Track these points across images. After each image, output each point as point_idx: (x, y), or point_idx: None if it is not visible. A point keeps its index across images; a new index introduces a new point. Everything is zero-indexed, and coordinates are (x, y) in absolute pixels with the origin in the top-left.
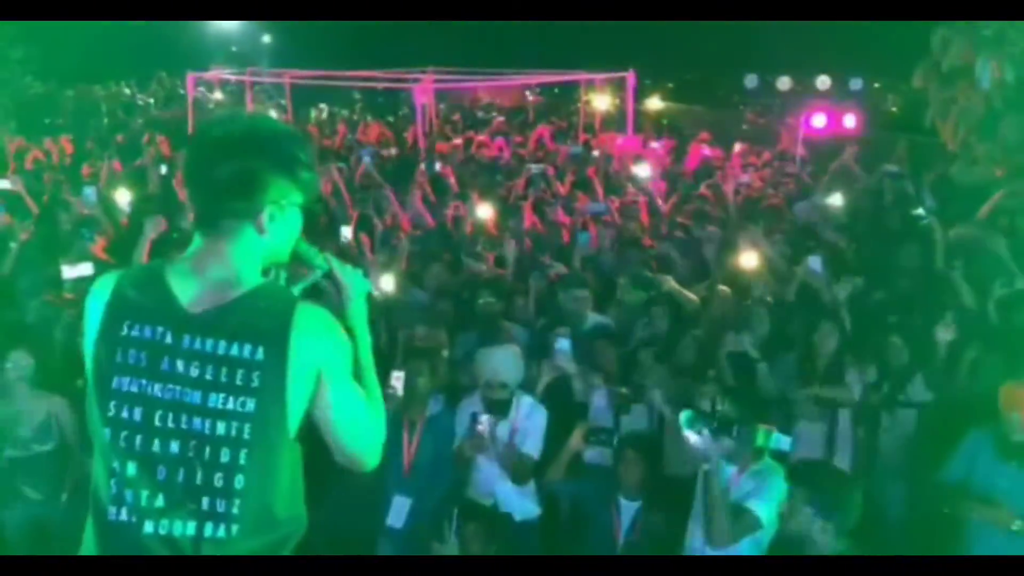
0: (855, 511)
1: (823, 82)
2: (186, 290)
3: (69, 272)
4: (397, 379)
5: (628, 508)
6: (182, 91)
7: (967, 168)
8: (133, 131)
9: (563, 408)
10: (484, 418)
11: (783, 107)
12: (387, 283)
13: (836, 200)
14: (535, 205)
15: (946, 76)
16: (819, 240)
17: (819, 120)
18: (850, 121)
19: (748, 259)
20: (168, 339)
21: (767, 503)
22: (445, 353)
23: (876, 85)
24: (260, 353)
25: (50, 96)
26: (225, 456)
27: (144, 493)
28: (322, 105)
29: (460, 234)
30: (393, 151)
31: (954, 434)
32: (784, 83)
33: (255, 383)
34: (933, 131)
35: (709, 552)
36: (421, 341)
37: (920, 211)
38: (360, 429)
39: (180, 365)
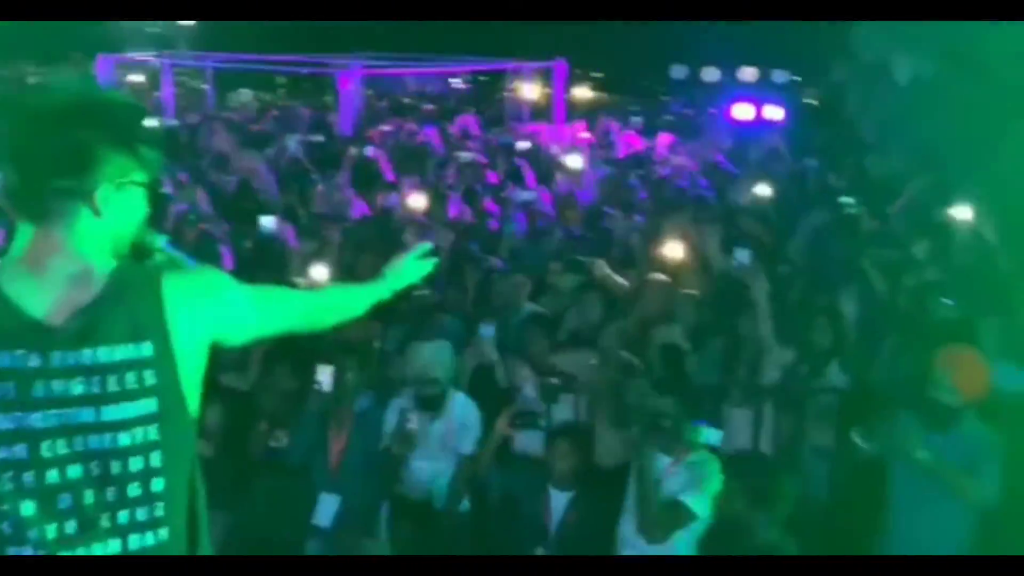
0: (789, 502)
1: (749, 74)
2: (32, 298)
3: None
4: (324, 374)
5: (559, 499)
6: (94, 73)
7: (882, 160)
8: None
9: (489, 397)
10: (413, 415)
11: (709, 98)
12: (318, 273)
13: (762, 190)
14: (465, 194)
15: (865, 72)
16: (744, 230)
17: (744, 111)
18: (774, 112)
19: (674, 249)
20: (33, 362)
21: (701, 496)
22: (376, 345)
23: (796, 78)
24: (146, 348)
25: None
26: (137, 464)
27: (49, 527)
28: (243, 90)
29: (392, 223)
30: (320, 137)
31: (876, 417)
32: (710, 74)
33: (150, 381)
34: (851, 124)
35: (642, 543)
36: (351, 334)
37: (848, 199)
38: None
39: (57, 386)
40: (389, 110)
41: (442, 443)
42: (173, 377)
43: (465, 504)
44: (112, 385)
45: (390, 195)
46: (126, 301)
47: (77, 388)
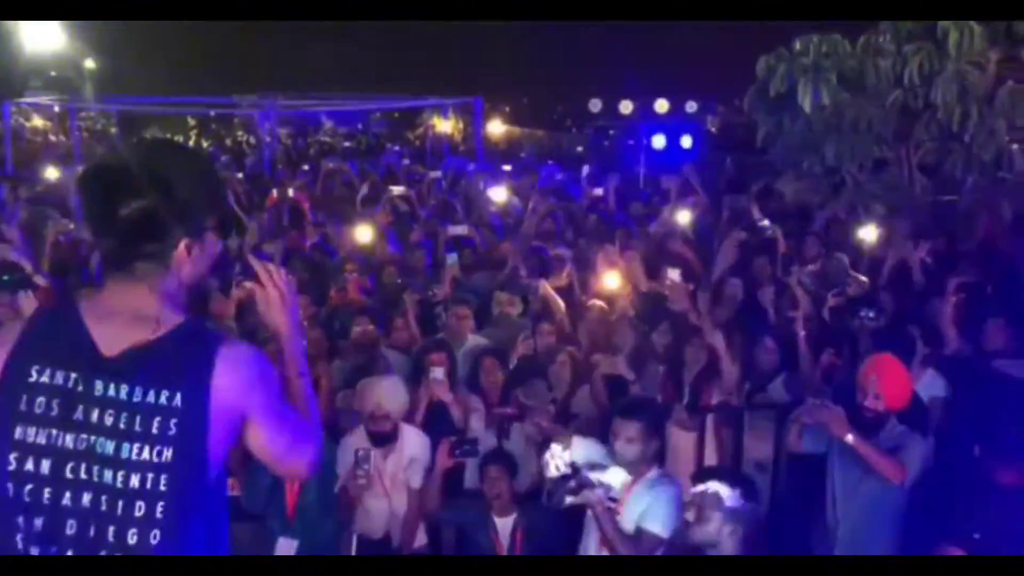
0: (757, 517)
1: (661, 105)
2: (102, 330)
3: None
4: None
5: (503, 525)
6: None
7: (792, 183)
8: None
9: (443, 435)
10: (368, 454)
11: (626, 129)
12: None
13: (683, 217)
14: (398, 229)
15: (772, 100)
16: (671, 254)
17: (659, 141)
18: (687, 141)
19: (608, 278)
20: (80, 386)
21: (664, 518)
22: (323, 384)
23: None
24: (178, 399)
25: None
26: (139, 510)
27: (53, 549)
28: (154, 132)
29: (323, 262)
30: (239, 176)
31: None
32: (626, 106)
33: (172, 431)
34: (756, 149)
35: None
36: None
37: (765, 223)
38: (296, 442)
39: (94, 414)
40: (308, 149)
41: (394, 479)
42: (198, 432)
43: (421, 539)
44: (137, 425)
45: (316, 234)
46: (178, 352)
47: (108, 419)
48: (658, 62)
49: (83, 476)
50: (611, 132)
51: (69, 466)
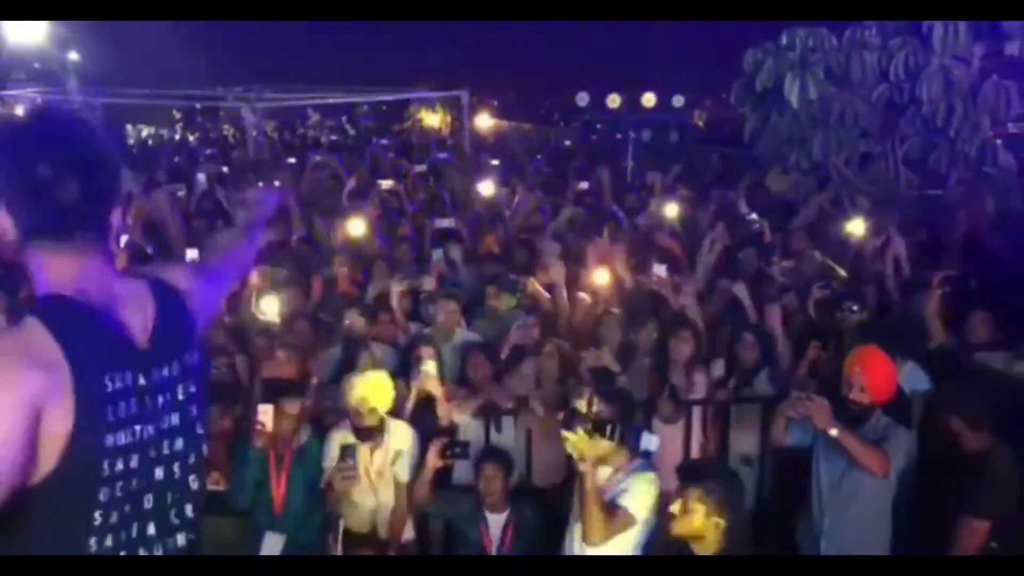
0: (743, 509)
1: (648, 99)
2: (129, 322)
3: None
4: (264, 413)
5: (495, 522)
6: None
7: (779, 178)
8: None
9: (432, 429)
10: (355, 450)
11: (613, 123)
12: (269, 306)
13: (671, 211)
14: (386, 222)
15: (759, 95)
16: (657, 248)
17: (646, 135)
18: (673, 135)
19: (598, 273)
20: (142, 380)
21: (639, 497)
22: (314, 381)
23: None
24: (195, 357)
25: None
26: (177, 471)
27: (123, 533)
28: (140, 125)
29: (309, 255)
30: (224, 170)
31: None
32: (613, 100)
33: (192, 389)
34: (739, 143)
35: (588, 551)
36: (285, 370)
37: (753, 216)
38: None
39: (160, 400)
40: (294, 142)
41: (380, 473)
42: (204, 379)
43: (409, 533)
44: (180, 393)
45: (303, 227)
46: (173, 312)
47: (167, 398)
48: (645, 56)
49: (153, 454)
50: (599, 126)
51: (151, 453)
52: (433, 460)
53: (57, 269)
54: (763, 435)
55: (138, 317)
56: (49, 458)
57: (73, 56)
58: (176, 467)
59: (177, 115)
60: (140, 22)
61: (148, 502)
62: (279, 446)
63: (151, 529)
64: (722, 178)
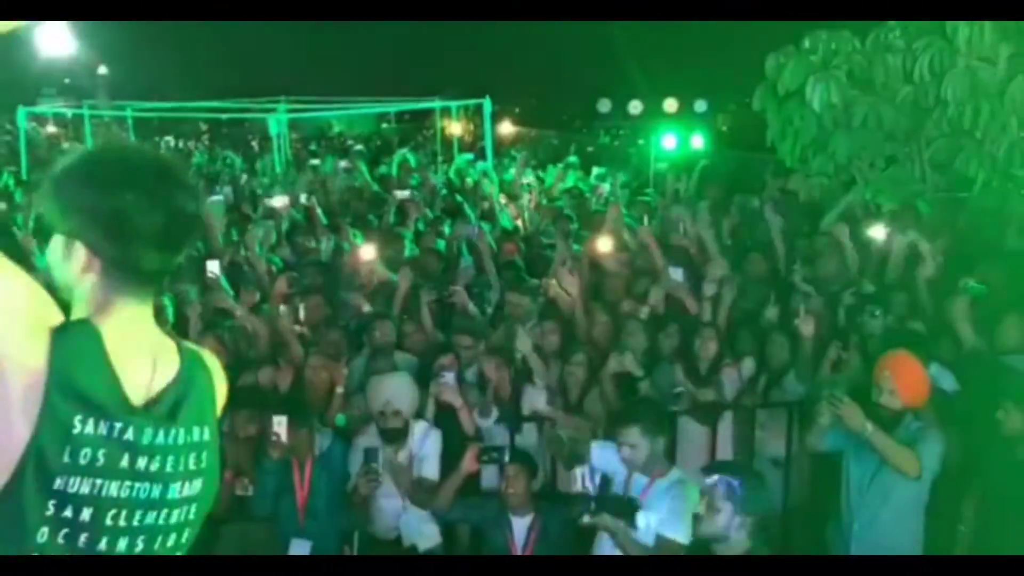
0: (768, 509)
1: (671, 104)
2: (128, 369)
3: None
4: (279, 426)
5: (519, 525)
6: (8, 125)
7: (804, 182)
8: None
9: (455, 433)
10: (378, 453)
11: (635, 129)
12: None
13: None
14: (408, 232)
15: (782, 99)
16: (674, 248)
17: (670, 142)
18: (697, 142)
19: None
20: (129, 435)
21: (686, 526)
22: (340, 390)
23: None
24: (207, 433)
25: None
26: (171, 541)
27: None
28: (168, 138)
29: (336, 266)
30: (253, 185)
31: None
32: (635, 107)
33: (204, 464)
34: (761, 148)
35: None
36: (315, 379)
37: (777, 221)
38: None
39: (142, 463)
40: (319, 152)
41: (404, 475)
42: (216, 455)
43: (437, 539)
44: (180, 465)
45: (328, 236)
46: (196, 385)
47: (154, 466)
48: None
49: (123, 523)
50: (620, 132)
51: (110, 513)
52: (469, 464)
53: (105, 309)
54: (791, 437)
55: (146, 373)
56: (4, 461)
57: (102, 70)
58: (145, 542)
59: (204, 127)
60: (167, 34)
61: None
62: (300, 454)
63: None
64: (744, 183)
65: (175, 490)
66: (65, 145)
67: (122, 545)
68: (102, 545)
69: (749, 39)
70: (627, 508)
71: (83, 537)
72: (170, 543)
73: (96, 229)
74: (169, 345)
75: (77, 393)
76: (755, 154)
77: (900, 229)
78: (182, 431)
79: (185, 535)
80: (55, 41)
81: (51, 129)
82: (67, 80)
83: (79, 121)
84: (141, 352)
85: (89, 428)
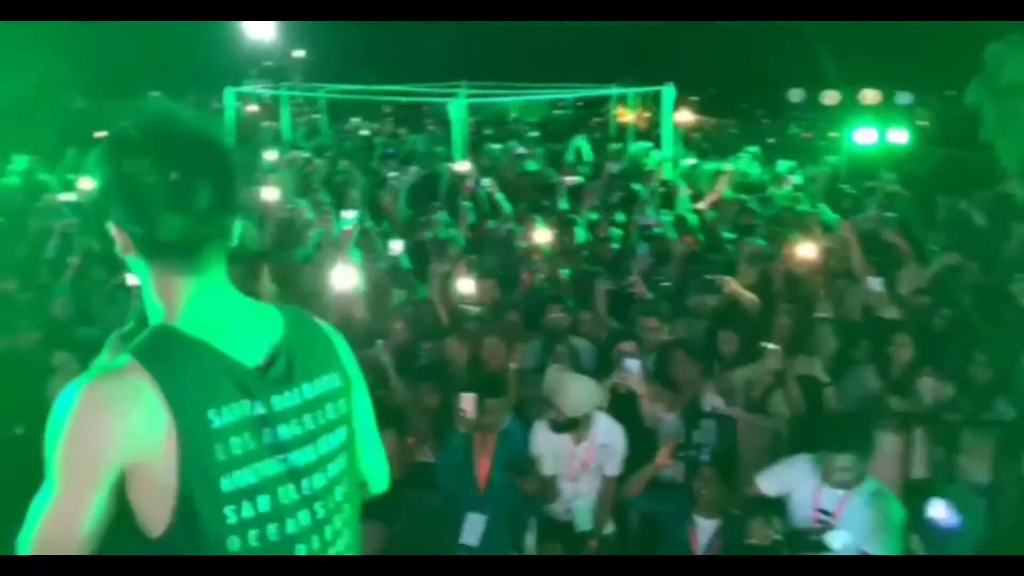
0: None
1: (871, 96)
2: (237, 345)
3: None
4: (468, 402)
5: (705, 527)
6: (216, 105)
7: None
8: None
9: (633, 423)
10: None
11: (829, 121)
12: (466, 286)
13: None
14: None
15: (1003, 92)
16: (878, 243)
17: (866, 135)
18: (898, 136)
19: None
20: (259, 410)
21: (890, 546)
22: (513, 367)
23: (908, 98)
24: (336, 379)
25: (91, 110)
26: (339, 494)
27: None
28: (354, 120)
29: (514, 250)
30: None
31: None
32: (830, 97)
33: (343, 410)
34: (970, 145)
35: None
36: (492, 357)
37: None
38: (375, 451)
39: (284, 430)
40: (496, 137)
41: (585, 464)
42: (355, 404)
43: (609, 527)
44: (320, 419)
45: (506, 220)
46: (304, 339)
47: (296, 430)
48: (866, 51)
49: (295, 496)
50: (809, 124)
51: (282, 491)
52: (664, 459)
53: (170, 294)
54: (999, 461)
55: (252, 339)
56: (160, 516)
57: (297, 54)
58: (318, 508)
59: (387, 109)
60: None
61: (299, 551)
62: (483, 430)
63: None
64: (950, 183)
65: (324, 444)
66: (264, 124)
67: (305, 519)
68: (291, 528)
69: (961, 25)
70: (818, 548)
71: (272, 528)
72: (339, 496)
73: (108, 201)
74: (265, 309)
75: (191, 391)
76: (961, 151)
77: None
78: (305, 386)
79: (346, 482)
80: (256, 27)
81: (252, 109)
82: (266, 63)
83: (276, 102)
84: (232, 323)
85: (227, 417)
